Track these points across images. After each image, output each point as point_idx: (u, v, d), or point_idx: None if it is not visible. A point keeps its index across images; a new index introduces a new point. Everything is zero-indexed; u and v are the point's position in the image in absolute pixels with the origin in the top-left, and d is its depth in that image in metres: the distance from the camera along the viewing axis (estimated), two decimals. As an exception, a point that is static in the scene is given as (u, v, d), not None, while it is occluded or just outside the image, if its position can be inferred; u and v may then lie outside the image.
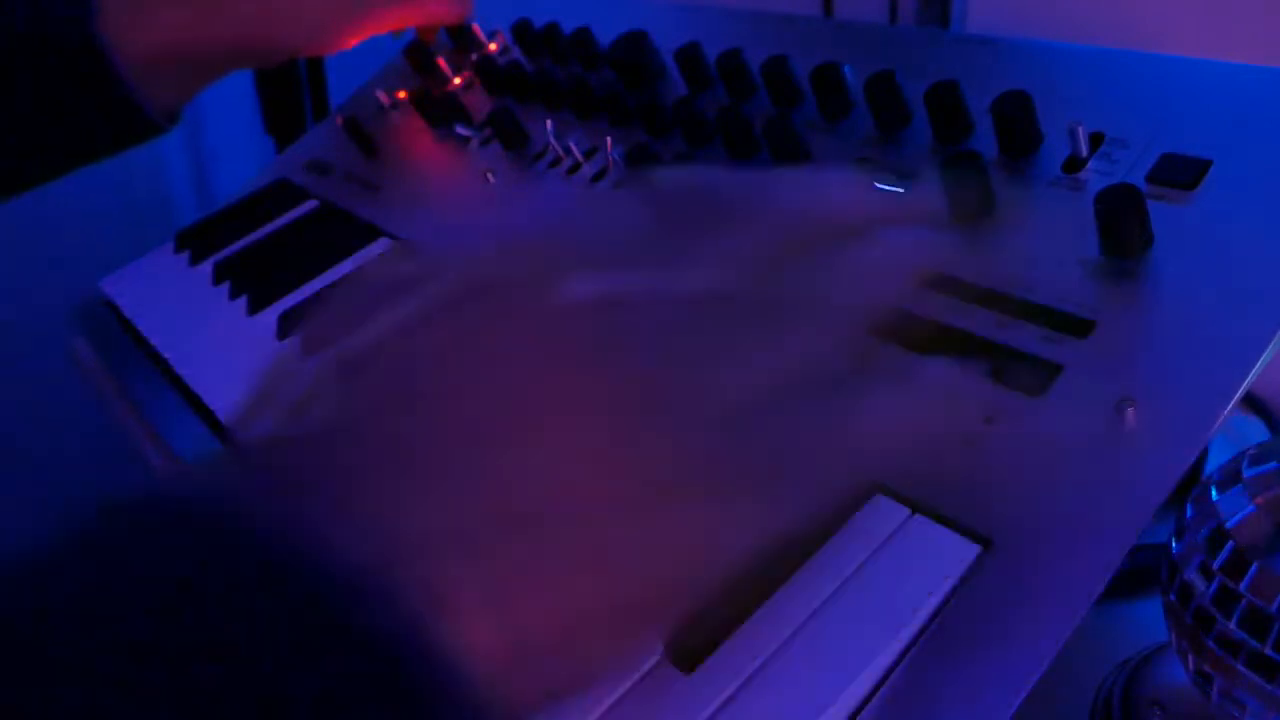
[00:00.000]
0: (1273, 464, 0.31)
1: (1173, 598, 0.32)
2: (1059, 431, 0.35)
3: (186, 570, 0.19)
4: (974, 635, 0.31)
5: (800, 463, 0.26)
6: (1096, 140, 0.42)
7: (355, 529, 0.21)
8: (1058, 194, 0.41)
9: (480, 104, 0.71)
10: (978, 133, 0.45)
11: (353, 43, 0.68)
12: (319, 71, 1.20)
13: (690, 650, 0.34)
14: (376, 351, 0.25)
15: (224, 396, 0.56)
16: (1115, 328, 0.36)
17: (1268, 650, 0.29)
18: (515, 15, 0.72)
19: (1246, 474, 0.31)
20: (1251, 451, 0.32)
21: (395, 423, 0.23)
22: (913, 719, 0.31)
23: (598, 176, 0.59)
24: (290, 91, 1.19)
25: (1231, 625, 0.30)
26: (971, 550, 0.34)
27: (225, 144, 1.58)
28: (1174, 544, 0.33)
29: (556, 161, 0.61)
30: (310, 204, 0.74)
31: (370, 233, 0.67)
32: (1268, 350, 0.33)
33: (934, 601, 0.33)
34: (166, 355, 0.62)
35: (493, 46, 0.75)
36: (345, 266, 0.64)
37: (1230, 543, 0.30)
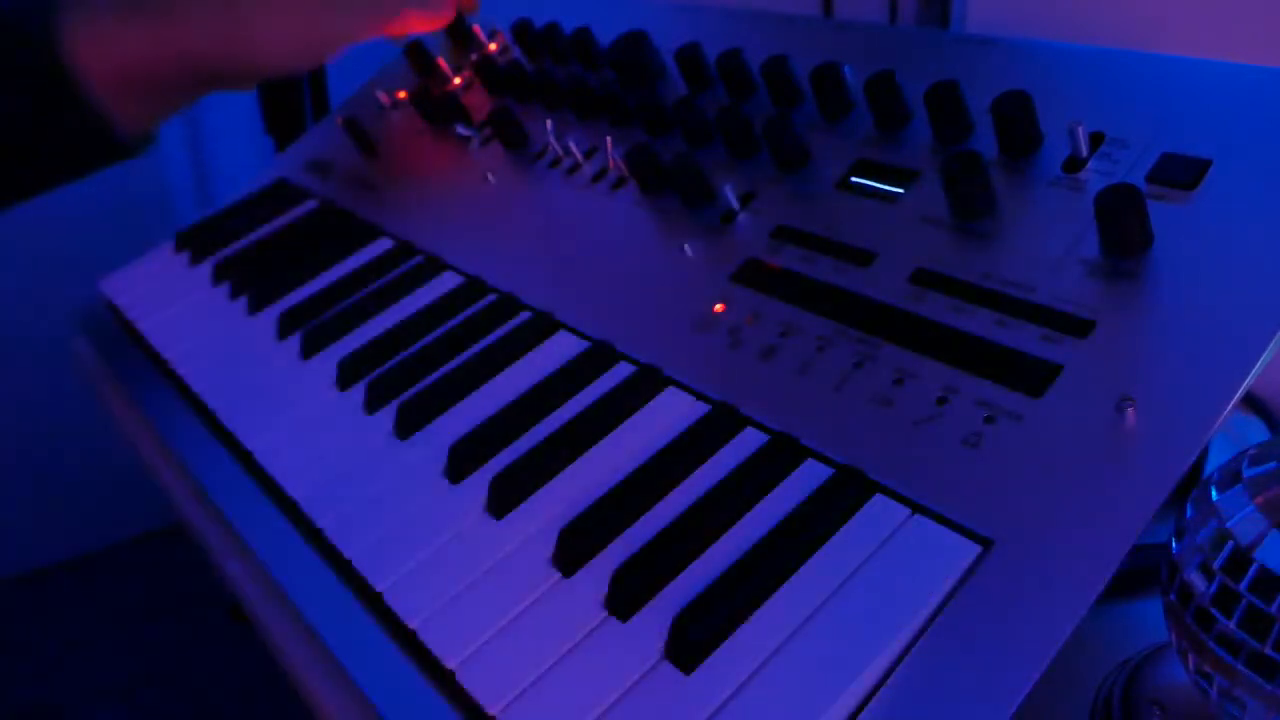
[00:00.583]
0: (1273, 464, 0.31)
1: (1173, 598, 0.32)
2: (1059, 431, 0.35)
3: None
4: (974, 635, 0.31)
5: None
6: (1096, 140, 0.42)
7: None
8: (1058, 194, 0.41)
9: (480, 104, 0.71)
10: (978, 133, 0.45)
11: (327, 59, 0.66)
12: (319, 71, 1.20)
13: (690, 650, 0.34)
14: None
15: (224, 395, 0.56)
16: (1115, 328, 0.36)
17: (1268, 650, 0.29)
18: (515, 15, 0.72)
19: (1246, 474, 0.31)
20: (1251, 451, 0.32)
21: None
22: (913, 719, 0.31)
23: (598, 176, 0.59)
24: (290, 91, 1.19)
25: (1231, 625, 0.29)
26: (971, 550, 0.34)
27: (225, 144, 1.58)
28: (1174, 544, 0.33)
29: (556, 161, 0.61)
30: (310, 204, 0.74)
31: (370, 233, 0.67)
32: (1268, 350, 0.33)
33: (934, 601, 0.33)
34: (166, 355, 0.62)
35: (493, 46, 0.75)
36: (345, 266, 0.64)
37: (1230, 543, 0.30)
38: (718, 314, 0.47)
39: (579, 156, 0.60)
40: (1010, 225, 0.42)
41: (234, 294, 0.66)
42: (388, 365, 0.53)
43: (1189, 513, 0.32)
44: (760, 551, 0.36)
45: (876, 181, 0.47)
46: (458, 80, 0.74)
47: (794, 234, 0.48)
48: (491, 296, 0.56)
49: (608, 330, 0.50)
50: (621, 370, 0.47)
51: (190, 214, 0.80)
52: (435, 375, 0.51)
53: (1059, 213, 0.41)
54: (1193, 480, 0.34)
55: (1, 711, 1.43)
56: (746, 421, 0.42)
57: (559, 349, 0.50)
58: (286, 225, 0.73)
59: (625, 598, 0.36)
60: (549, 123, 0.62)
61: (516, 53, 0.72)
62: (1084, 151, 0.41)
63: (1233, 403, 0.32)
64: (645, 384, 0.46)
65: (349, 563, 0.43)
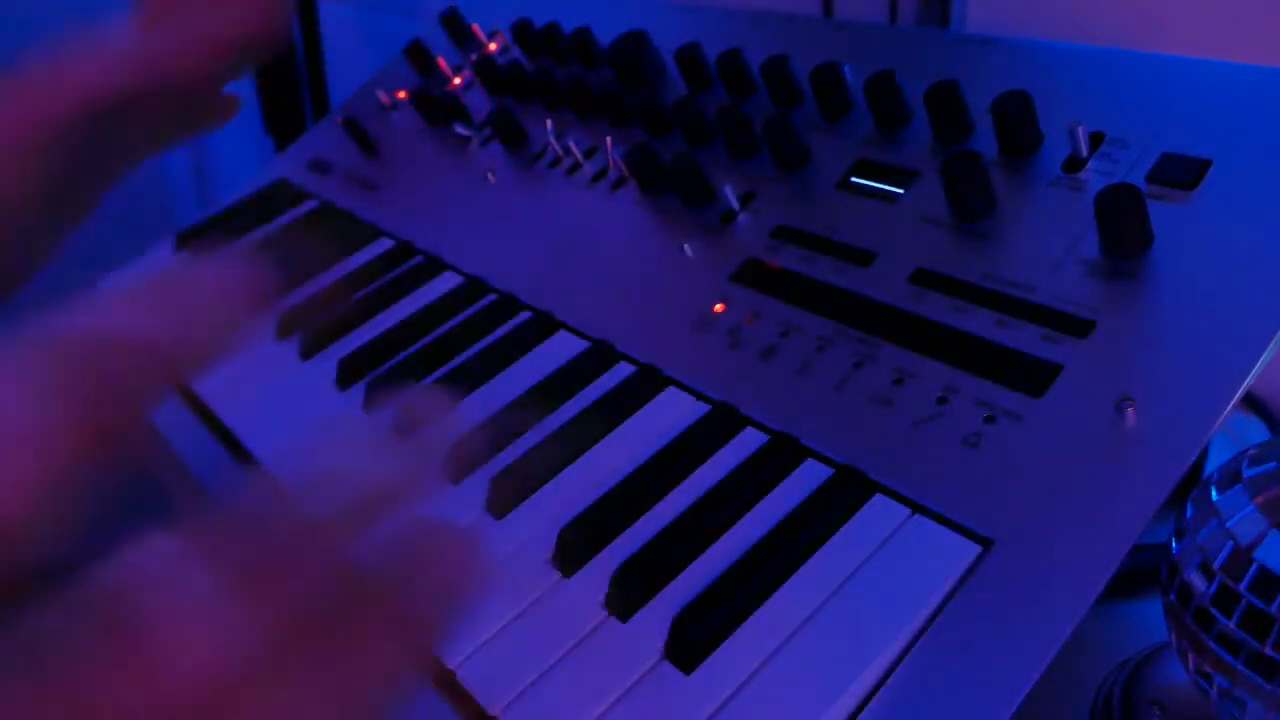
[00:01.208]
0: (1273, 464, 0.31)
1: (1173, 598, 0.32)
2: (1059, 431, 0.35)
3: None
4: (974, 635, 0.31)
5: None
6: (1096, 140, 0.42)
7: None
8: (1058, 194, 0.41)
9: (480, 104, 0.71)
10: (978, 133, 0.45)
11: None
12: (319, 71, 1.20)
13: (690, 650, 0.34)
14: None
15: (224, 396, 0.56)
16: (1115, 328, 0.36)
17: (1268, 650, 0.29)
18: (515, 15, 0.72)
19: (1246, 474, 0.31)
20: (1251, 451, 0.32)
21: None
22: (913, 719, 0.31)
23: (598, 177, 0.59)
24: (290, 91, 1.19)
25: (1231, 625, 0.30)
26: (971, 550, 0.34)
27: (225, 144, 1.58)
28: (1174, 544, 0.33)
29: (556, 161, 0.61)
30: (310, 204, 0.74)
31: (370, 233, 0.67)
32: (1268, 350, 0.33)
33: (934, 601, 0.33)
34: (166, 355, 0.62)
35: (493, 46, 0.75)
36: (345, 266, 0.64)
37: (1230, 543, 0.30)
38: (718, 314, 0.47)
39: (579, 156, 0.60)
40: (1010, 225, 0.42)
41: (234, 294, 0.66)
42: (388, 365, 0.53)
43: (1189, 513, 0.32)
44: (760, 551, 0.36)
45: (876, 181, 0.47)
46: (458, 80, 0.74)
47: (794, 234, 0.48)
48: (491, 296, 0.56)
49: (608, 330, 0.50)
50: (621, 370, 0.47)
51: (190, 214, 0.80)
52: (435, 375, 0.51)
53: (1059, 213, 0.41)
54: (1193, 480, 0.34)
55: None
56: (746, 421, 0.42)
57: (559, 349, 0.50)
58: (286, 225, 0.73)
59: (625, 598, 0.36)
60: (549, 123, 0.62)
61: (516, 53, 0.72)
62: (1084, 151, 0.41)
63: (1233, 403, 0.32)
64: (645, 384, 0.46)
65: (349, 563, 0.43)
